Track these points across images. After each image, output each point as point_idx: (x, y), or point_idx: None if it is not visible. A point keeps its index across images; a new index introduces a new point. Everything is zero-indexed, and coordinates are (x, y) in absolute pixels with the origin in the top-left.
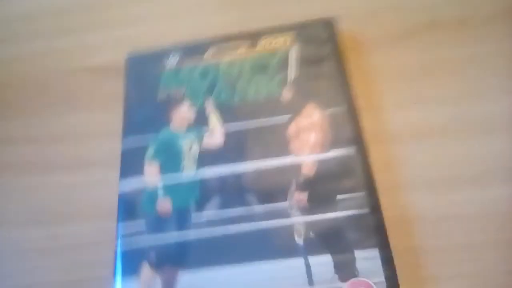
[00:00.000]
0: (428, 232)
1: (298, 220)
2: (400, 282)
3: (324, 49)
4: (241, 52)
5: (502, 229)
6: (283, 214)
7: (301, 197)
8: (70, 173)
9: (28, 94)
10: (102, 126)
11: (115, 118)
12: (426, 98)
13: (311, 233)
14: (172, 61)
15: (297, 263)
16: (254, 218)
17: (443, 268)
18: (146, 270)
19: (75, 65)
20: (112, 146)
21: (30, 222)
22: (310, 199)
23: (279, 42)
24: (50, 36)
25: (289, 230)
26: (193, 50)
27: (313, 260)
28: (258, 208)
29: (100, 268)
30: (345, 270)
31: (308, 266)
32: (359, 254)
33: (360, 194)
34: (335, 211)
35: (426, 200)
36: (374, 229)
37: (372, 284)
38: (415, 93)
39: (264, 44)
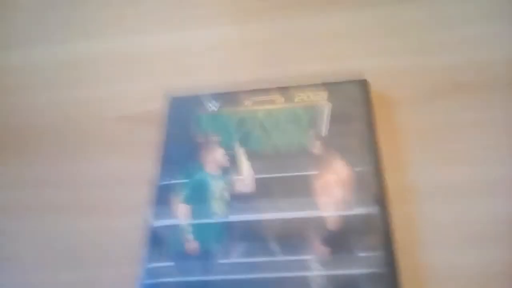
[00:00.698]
0: None
1: (319, 273)
2: None
3: (356, 109)
4: (277, 105)
5: None
6: (305, 266)
7: (323, 251)
8: (100, 217)
9: (64, 139)
10: (135, 173)
11: (147, 166)
12: (448, 158)
13: (330, 287)
14: (212, 106)
15: None
16: (277, 267)
17: None
18: None
19: (111, 113)
20: (143, 193)
21: (60, 265)
22: (332, 253)
23: (315, 98)
24: (89, 84)
25: (309, 282)
26: (233, 98)
27: None
28: (281, 258)
29: None
30: None
31: None
32: None
33: (379, 253)
34: (355, 267)
35: (444, 259)
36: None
37: None
38: (438, 153)
39: (300, 99)
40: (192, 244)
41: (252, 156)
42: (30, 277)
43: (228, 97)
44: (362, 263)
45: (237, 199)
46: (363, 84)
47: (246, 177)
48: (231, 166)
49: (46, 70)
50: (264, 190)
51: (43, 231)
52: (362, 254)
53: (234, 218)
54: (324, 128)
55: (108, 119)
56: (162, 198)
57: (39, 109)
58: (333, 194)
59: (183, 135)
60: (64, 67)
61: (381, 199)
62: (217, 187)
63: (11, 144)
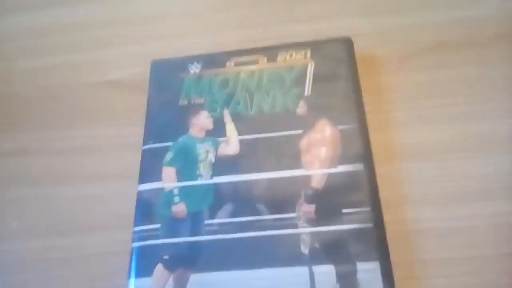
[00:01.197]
0: (430, 246)
1: (305, 230)
2: None
3: (340, 67)
4: (260, 65)
5: (505, 242)
6: (291, 224)
7: (309, 209)
8: (90, 184)
9: (49, 107)
10: (122, 139)
11: (134, 131)
12: (432, 116)
13: (316, 243)
14: (194, 69)
15: (302, 271)
16: (263, 227)
17: (444, 281)
18: (159, 271)
19: (96, 79)
20: (131, 158)
21: (51, 232)
22: (317, 211)
23: (298, 57)
24: (72, 50)
25: (295, 240)
26: (215, 60)
27: (317, 269)
28: (268, 217)
29: (119, 277)
30: (346, 280)
31: (312, 275)
32: (360, 266)
33: (365, 209)
34: (340, 224)
35: (430, 215)
36: (376, 243)
37: None
38: (422, 111)
39: (283, 58)
40: (179, 206)
41: (236, 117)
42: (21, 244)
43: (211, 59)
44: (348, 219)
45: (222, 161)
46: (346, 43)
47: (231, 138)
48: (216, 129)
49: (28, 37)
50: (249, 151)
51: (31, 199)
52: (347, 211)
53: (220, 179)
54: (308, 88)
55: (92, 85)
56: (147, 162)
57: (21, 77)
58: (317, 153)
59: (167, 99)
60: (45, 33)
61: (365, 156)
62: (202, 149)
63: None
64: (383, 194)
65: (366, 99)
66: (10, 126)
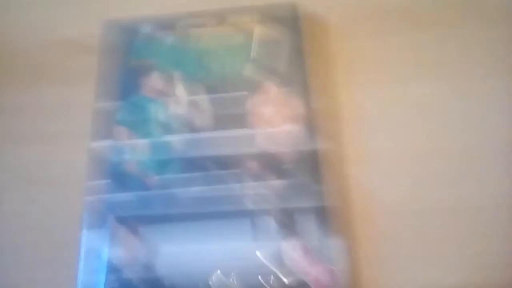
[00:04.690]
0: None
1: (249, 185)
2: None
3: (285, 31)
4: (209, 28)
5: None
6: (236, 179)
7: (253, 165)
8: (41, 143)
9: (2, 64)
10: (74, 98)
11: (87, 91)
12: (375, 80)
13: (259, 197)
14: (145, 31)
15: (245, 222)
16: (210, 182)
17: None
18: (111, 223)
19: (48, 37)
20: (83, 118)
21: (4, 188)
22: (261, 167)
23: (245, 21)
24: (24, 8)
25: (240, 194)
26: (166, 23)
27: (259, 220)
28: (215, 173)
29: (73, 230)
30: (286, 230)
31: (254, 225)
32: (299, 217)
33: (305, 165)
34: (282, 179)
35: (370, 173)
36: (315, 196)
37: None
38: (367, 75)
39: (231, 22)
40: (130, 164)
41: (186, 79)
42: None
43: (163, 21)
44: (289, 174)
45: (172, 120)
46: (293, 6)
47: (181, 100)
48: (166, 89)
49: None
50: (198, 111)
51: None
52: (288, 166)
53: (169, 138)
54: (254, 51)
55: (44, 43)
56: (99, 120)
57: None
58: (262, 113)
59: (119, 59)
60: None
61: (307, 116)
62: (153, 108)
63: None
64: (323, 152)
65: (310, 62)
66: None
